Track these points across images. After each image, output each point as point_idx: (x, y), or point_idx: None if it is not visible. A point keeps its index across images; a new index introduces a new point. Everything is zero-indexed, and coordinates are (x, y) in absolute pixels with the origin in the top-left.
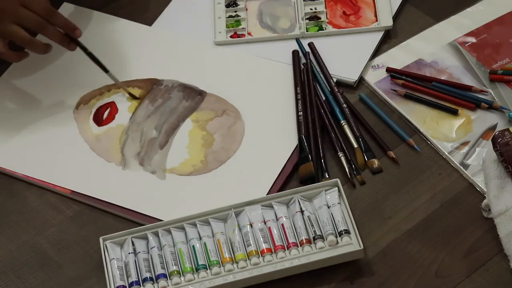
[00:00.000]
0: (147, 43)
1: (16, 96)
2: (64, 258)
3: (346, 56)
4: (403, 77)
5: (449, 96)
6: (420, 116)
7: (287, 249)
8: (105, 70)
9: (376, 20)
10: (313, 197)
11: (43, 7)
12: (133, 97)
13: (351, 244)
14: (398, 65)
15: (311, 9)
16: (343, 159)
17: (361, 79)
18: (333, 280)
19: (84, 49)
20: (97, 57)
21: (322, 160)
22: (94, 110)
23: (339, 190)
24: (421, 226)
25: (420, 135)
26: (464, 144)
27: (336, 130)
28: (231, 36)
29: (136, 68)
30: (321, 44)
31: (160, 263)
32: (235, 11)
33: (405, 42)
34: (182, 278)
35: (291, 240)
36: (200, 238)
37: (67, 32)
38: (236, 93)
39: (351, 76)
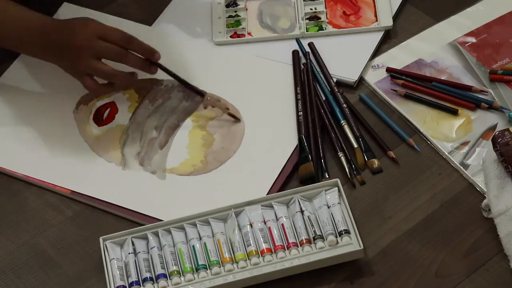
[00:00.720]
0: (147, 43)
1: (16, 96)
2: (64, 258)
3: (346, 56)
4: (403, 77)
5: (449, 96)
6: (420, 116)
7: (287, 249)
8: (200, 94)
9: (376, 20)
10: (313, 197)
11: (121, 36)
12: (233, 117)
13: (351, 244)
14: (398, 65)
15: (311, 9)
16: (343, 159)
17: (361, 79)
18: (333, 280)
19: (169, 72)
20: (186, 80)
21: (322, 160)
22: (94, 110)
23: (339, 190)
24: (421, 226)
25: (420, 135)
26: (464, 144)
27: (336, 130)
28: (231, 36)
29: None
30: (321, 44)
31: (160, 263)
32: (235, 11)
33: (405, 42)
34: (182, 278)
35: (291, 240)
36: (200, 238)
37: (146, 57)
38: (236, 93)
39: (351, 76)
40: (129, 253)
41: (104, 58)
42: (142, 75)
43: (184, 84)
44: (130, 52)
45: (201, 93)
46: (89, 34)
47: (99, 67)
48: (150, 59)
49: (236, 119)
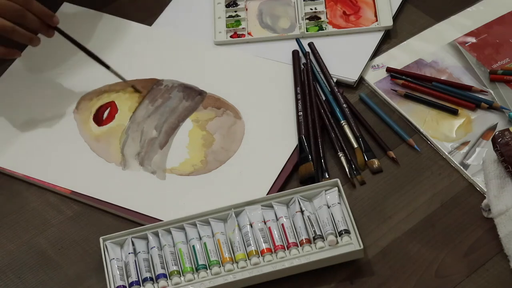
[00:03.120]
0: (147, 43)
1: (16, 96)
2: (64, 258)
3: (346, 56)
4: (403, 77)
5: (449, 96)
6: (420, 116)
7: (287, 249)
8: (106, 66)
9: (376, 20)
10: (313, 197)
11: None
12: (135, 90)
13: (351, 244)
14: (398, 65)
15: (311, 9)
16: (343, 159)
17: (361, 79)
18: (333, 280)
19: (70, 38)
20: (86, 47)
21: (322, 160)
22: (94, 110)
23: (339, 190)
24: (421, 226)
25: (420, 135)
26: (464, 144)
27: (336, 130)
28: (231, 36)
29: (136, 68)
30: (321, 44)
31: (160, 263)
32: (235, 11)
33: (405, 42)
34: (182, 278)
35: (291, 240)
36: (200, 238)
37: (45, 20)
38: (236, 93)
39: (351, 76)
40: (129, 253)
41: (2, 15)
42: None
43: (90, 55)
44: (28, 12)
45: (106, 66)
46: None
47: None
48: (48, 23)
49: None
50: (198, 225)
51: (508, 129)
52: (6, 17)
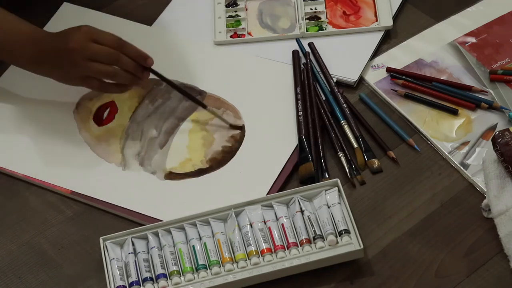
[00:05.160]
0: (147, 43)
1: (16, 96)
2: (64, 258)
3: (346, 56)
4: (403, 77)
5: (449, 96)
6: (420, 116)
7: (287, 249)
8: (202, 105)
9: (376, 20)
10: (313, 197)
11: (114, 39)
12: (234, 127)
13: (351, 244)
14: (398, 65)
15: (311, 9)
16: (343, 159)
17: (361, 79)
18: (333, 280)
19: (163, 78)
20: (181, 87)
21: (322, 160)
22: (94, 110)
23: (339, 190)
24: (421, 226)
25: (420, 135)
26: (464, 144)
27: (336, 130)
28: (231, 36)
29: None
30: (321, 44)
31: (160, 263)
32: (235, 11)
33: (405, 42)
34: (182, 278)
35: (291, 240)
36: (200, 238)
37: (139, 62)
38: (236, 93)
39: (351, 76)
40: (129, 253)
41: (98, 60)
42: None
43: (179, 90)
44: (123, 55)
45: (203, 105)
46: (81, 37)
47: (98, 67)
48: (142, 64)
49: (238, 128)
50: (198, 225)
51: (508, 129)
52: (103, 62)
